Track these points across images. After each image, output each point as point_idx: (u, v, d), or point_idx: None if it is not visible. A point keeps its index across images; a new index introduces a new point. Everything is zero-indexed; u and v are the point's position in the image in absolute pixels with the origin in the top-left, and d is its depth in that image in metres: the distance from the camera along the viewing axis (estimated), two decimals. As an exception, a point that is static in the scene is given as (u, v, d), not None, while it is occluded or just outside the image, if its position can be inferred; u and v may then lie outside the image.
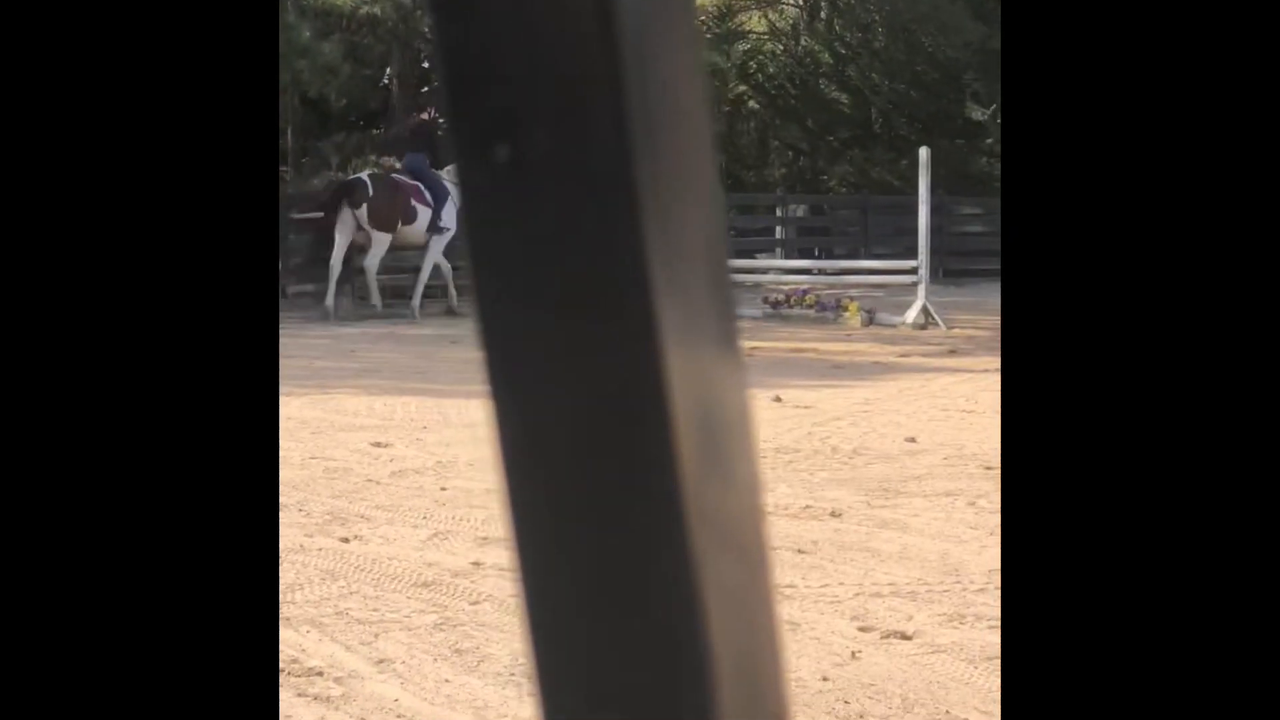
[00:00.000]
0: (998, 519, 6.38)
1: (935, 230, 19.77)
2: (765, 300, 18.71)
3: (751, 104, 34.04)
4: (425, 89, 22.06)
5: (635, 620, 0.52)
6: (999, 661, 4.43)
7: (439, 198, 17.31)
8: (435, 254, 17.48)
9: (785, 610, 4.95)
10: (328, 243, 17.47)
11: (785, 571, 5.49)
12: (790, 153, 34.37)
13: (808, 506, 6.68)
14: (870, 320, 17.41)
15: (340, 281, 17.41)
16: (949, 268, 27.28)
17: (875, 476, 7.48)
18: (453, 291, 18.22)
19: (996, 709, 4.05)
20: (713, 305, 0.53)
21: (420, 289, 17.97)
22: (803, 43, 33.62)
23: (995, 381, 11.60)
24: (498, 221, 0.50)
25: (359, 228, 17.16)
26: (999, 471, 7.30)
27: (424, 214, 17.41)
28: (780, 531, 6.18)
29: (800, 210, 30.90)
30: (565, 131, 0.49)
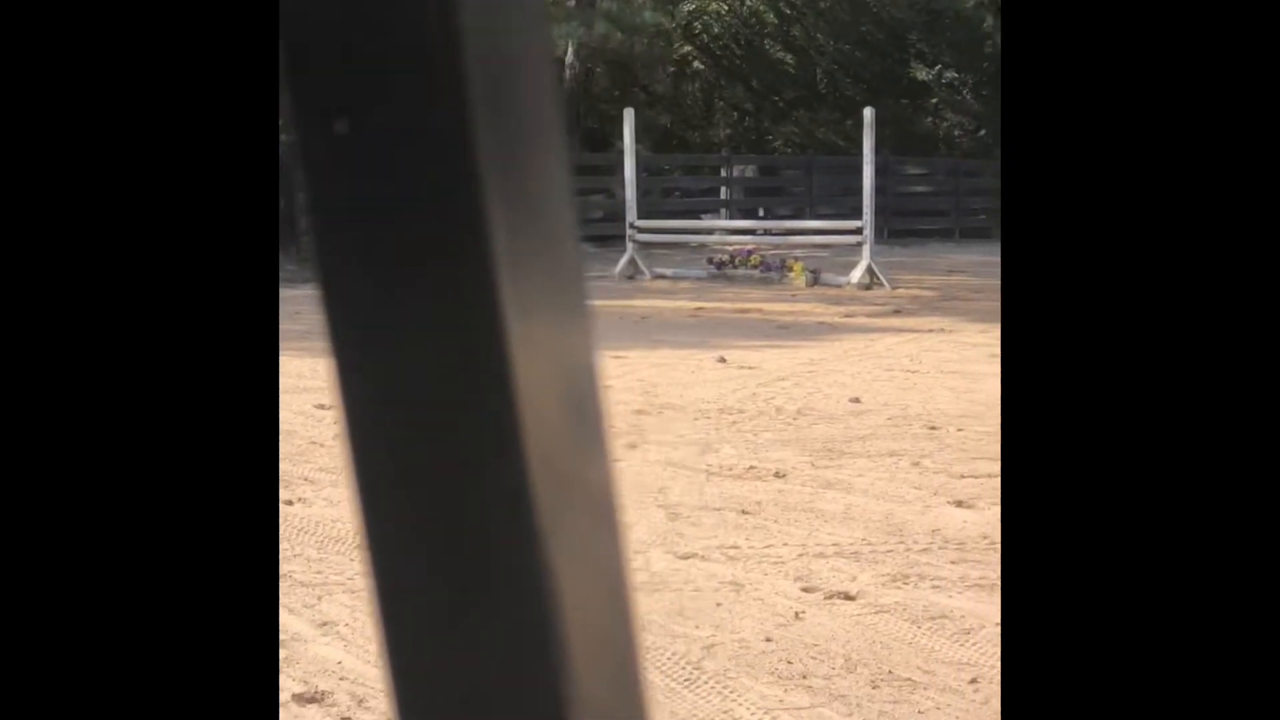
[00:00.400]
0: (941, 479, 6.42)
1: (880, 190, 19.80)
2: (710, 261, 18.72)
3: (696, 64, 33.99)
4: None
5: (486, 592, 0.52)
6: (942, 621, 4.46)
7: None
8: None
9: (729, 571, 4.96)
10: None
11: (729, 533, 5.50)
12: (735, 113, 34.36)
13: (752, 467, 6.70)
14: (815, 280, 17.44)
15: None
16: (894, 228, 27.35)
17: (819, 437, 7.50)
18: None
19: (939, 668, 4.07)
20: (559, 274, 0.52)
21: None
22: (747, 3, 33.57)
23: (939, 342, 11.66)
24: (338, 192, 0.50)
25: None
26: (943, 431, 7.32)
27: None
28: (724, 492, 6.19)
29: (746, 171, 30.89)
30: (405, 103, 0.49)
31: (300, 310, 14.05)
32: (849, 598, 4.67)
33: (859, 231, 17.40)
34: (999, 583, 4.81)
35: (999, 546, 5.30)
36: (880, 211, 20.87)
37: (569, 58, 27.61)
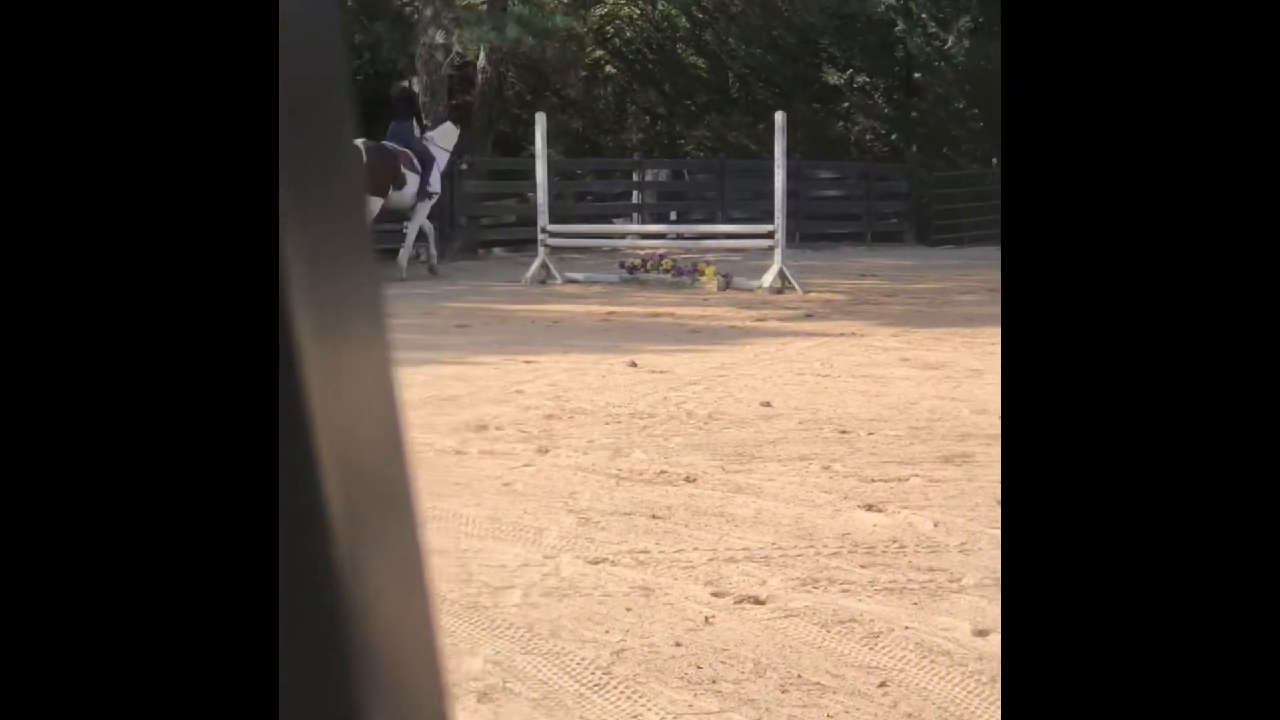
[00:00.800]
0: (852, 483, 6.43)
1: (792, 194, 19.87)
2: (622, 265, 18.72)
3: (609, 69, 33.99)
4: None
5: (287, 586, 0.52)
6: (851, 625, 4.47)
7: (426, 164, 18.21)
8: (421, 217, 18.27)
9: (639, 576, 4.95)
10: None
11: (639, 537, 5.49)
12: (648, 117, 34.38)
13: (663, 472, 6.69)
14: (727, 284, 17.47)
15: None
16: (805, 231, 27.45)
17: (730, 441, 7.50)
18: (433, 251, 19.22)
19: (848, 672, 4.08)
20: (356, 301, 0.52)
21: (408, 247, 18.71)
22: (660, 7, 33.62)
23: (850, 345, 11.68)
24: None
25: None
26: (853, 435, 7.33)
27: (412, 180, 18.27)
28: (635, 497, 6.18)
29: (659, 175, 30.93)
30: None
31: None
32: (759, 602, 4.67)
33: (770, 235, 17.45)
34: (909, 586, 4.83)
35: (909, 550, 5.32)
36: (792, 215, 20.94)
37: (481, 62, 27.54)
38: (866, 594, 4.81)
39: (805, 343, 11.94)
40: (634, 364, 10.37)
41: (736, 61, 32.30)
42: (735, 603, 4.67)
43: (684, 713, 3.76)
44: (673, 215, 28.00)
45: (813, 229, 28.12)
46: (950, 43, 26.62)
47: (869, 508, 6.01)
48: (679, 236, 21.95)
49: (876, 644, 4.32)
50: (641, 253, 19.24)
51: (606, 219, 25.91)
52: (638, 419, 8.15)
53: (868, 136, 30.58)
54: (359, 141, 17.63)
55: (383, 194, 17.83)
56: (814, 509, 5.96)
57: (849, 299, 15.60)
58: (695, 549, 5.32)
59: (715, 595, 4.75)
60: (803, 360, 10.79)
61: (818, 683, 3.99)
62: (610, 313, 14.69)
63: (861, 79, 29.11)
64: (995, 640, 4.34)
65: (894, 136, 29.87)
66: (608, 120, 34.00)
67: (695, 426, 7.95)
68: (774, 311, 14.77)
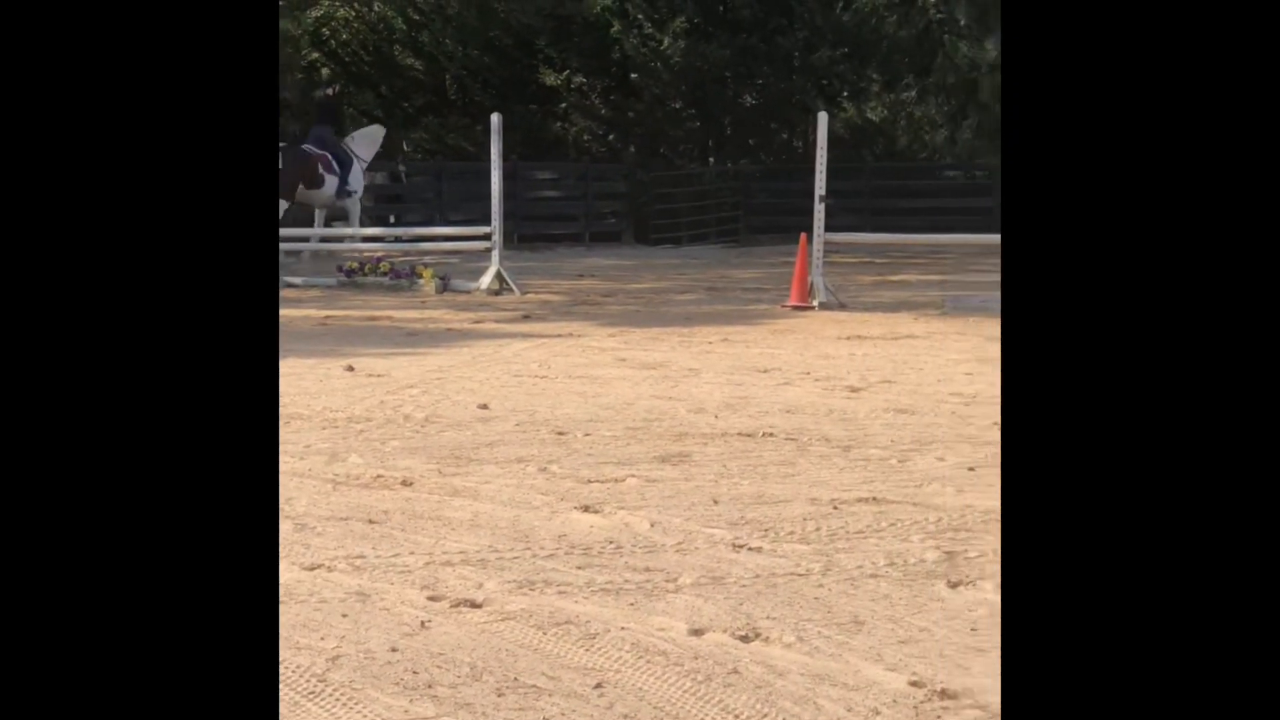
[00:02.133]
0: (569, 484, 6.46)
1: (509, 195, 19.87)
2: (340, 268, 18.52)
3: (325, 71, 33.58)
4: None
5: None
6: (568, 626, 4.49)
7: (344, 165, 19.50)
8: (355, 212, 19.69)
9: (355, 582, 4.91)
10: None
11: (356, 542, 5.44)
12: (365, 120, 34.06)
13: (379, 476, 6.64)
14: (445, 287, 17.41)
15: None
16: (524, 232, 27.47)
17: (447, 444, 7.48)
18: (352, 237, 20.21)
19: (564, 674, 4.09)
20: None
21: (354, 229, 20.05)
22: (376, 9, 33.32)
23: (568, 346, 11.69)
24: None
25: None
26: (570, 436, 7.33)
27: (330, 180, 19.66)
28: (351, 502, 6.12)
29: (376, 177, 30.66)
30: None
31: None
32: (475, 605, 4.66)
33: (488, 237, 17.42)
34: (625, 586, 4.86)
35: (625, 550, 5.35)
36: (510, 216, 20.94)
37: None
38: (583, 595, 4.83)
39: (523, 344, 11.95)
40: (351, 368, 10.27)
41: (454, 63, 32.19)
42: (451, 606, 4.65)
43: (400, 718, 3.74)
44: (391, 218, 27.78)
45: (531, 230, 28.15)
46: (666, 44, 26.88)
47: (586, 509, 6.04)
48: (397, 239, 21.79)
49: (593, 645, 4.35)
50: (359, 256, 19.06)
51: (324, 222, 25.62)
52: (354, 423, 8.08)
53: (585, 137, 30.74)
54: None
55: (289, 195, 18.91)
56: (531, 511, 5.97)
57: (567, 299, 15.66)
58: (412, 553, 5.29)
59: (431, 599, 4.72)
60: (520, 362, 10.80)
61: (534, 685, 4.00)
62: (328, 317, 14.53)
63: (579, 80, 29.24)
64: (711, 639, 4.40)
65: (611, 137, 30.07)
66: (324, 121, 33.58)
67: (412, 430, 7.90)
68: (492, 313, 14.76)
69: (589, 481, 6.59)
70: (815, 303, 14.21)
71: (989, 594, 4.84)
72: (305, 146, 20.11)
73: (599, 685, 4.03)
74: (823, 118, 16.07)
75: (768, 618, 4.61)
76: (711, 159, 29.34)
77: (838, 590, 4.91)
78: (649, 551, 5.39)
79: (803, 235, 14.94)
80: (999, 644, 4.31)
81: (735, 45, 26.38)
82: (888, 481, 6.58)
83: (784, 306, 14.27)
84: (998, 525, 5.70)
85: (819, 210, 15.07)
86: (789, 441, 7.52)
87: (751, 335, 12.31)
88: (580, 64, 28.92)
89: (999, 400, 8.76)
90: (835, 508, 6.07)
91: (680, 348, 11.43)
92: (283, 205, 18.94)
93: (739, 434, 7.73)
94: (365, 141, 20.96)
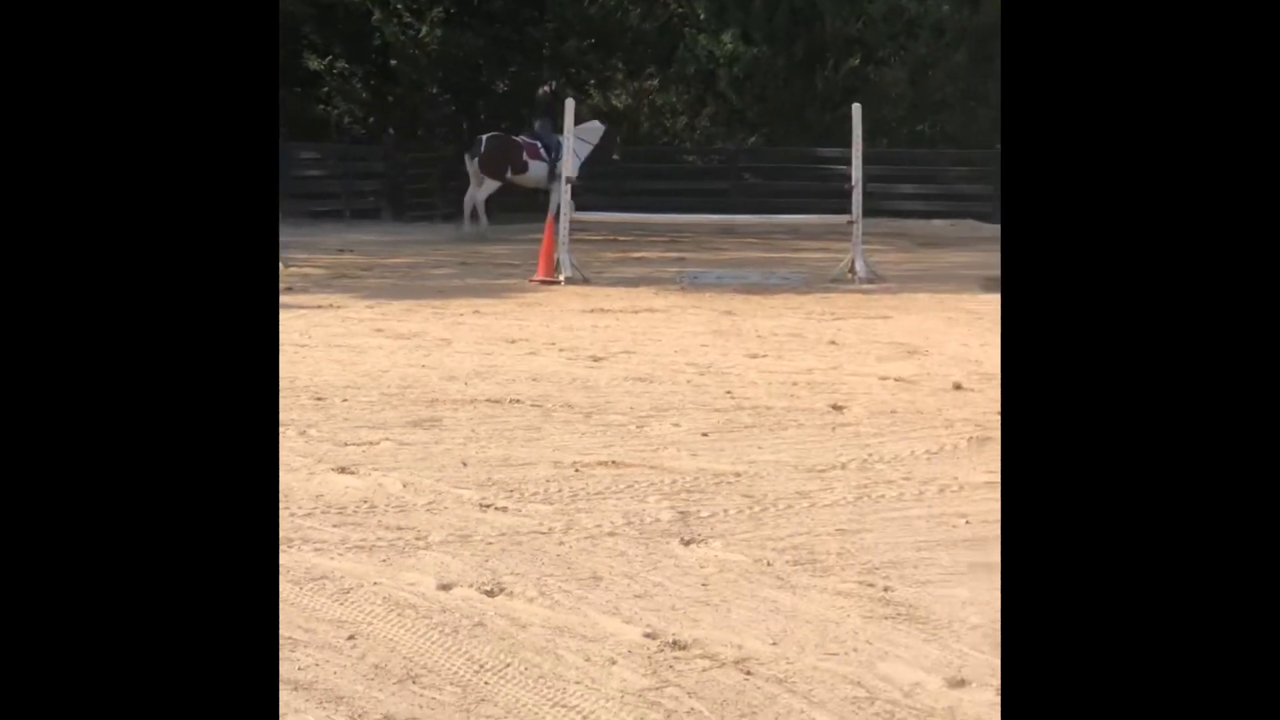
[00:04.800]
0: (327, 447, 6.37)
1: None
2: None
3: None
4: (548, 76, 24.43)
5: None
6: (323, 581, 4.42)
7: (556, 152, 20.59)
8: (556, 194, 19.64)
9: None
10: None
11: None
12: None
13: (142, 440, 6.47)
14: (211, 259, 17.03)
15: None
16: (289, 210, 26.99)
17: (210, 409, 7.31)
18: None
19: (319, 626, 4.04)
20: None
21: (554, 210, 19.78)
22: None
23: (328, 317, 11.52)
24: None
25: (479, 172, 21.43)
26: (329, 402, 7.21)
27: (536, 166, 21.52)
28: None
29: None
30: None
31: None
32: (234, 563, 4.57)
33: (253, 212, 17.07)
34: (378, 544, 4.80)
35: (379, 509, 5.28)
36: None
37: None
38: (338, 552, 4.78)
39: (285, 315, 11.74)
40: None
41: (220, 44, 31.51)
42: (211, 565, 4.56)
43: (158, 674, 3.65)
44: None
45: (295, 208, 27.65)
46: (424, 32, 26.65)
47: (342, 470, 5.97)
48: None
49: (346, 599, 4.30)
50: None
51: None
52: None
53: (347, 119, 30.33)
54: (484, 136, 20.48)
55: (498, 176, 21.21)
56: (290, 473, 5.87)
57: (328, 273, 15.40)
58: (173, 514, 5.16)
59: (191, 558, 4.62)
60: (282, 332, 10.61)
61: (290, 637, 3.93)
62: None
63: (341, 65, 28.82)
64: (458, 593, 4.37)
65: (372, 119, 29.72)
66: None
67: (176, 396, 7.71)
68: (256, 284, 14.45)
69: (345, 445, 6.51)
70: (561, 278, 14.21)
71: (719, 551, 4.90)
72: (508, 136, 22.14)
73: (352, 637, 3.99)
74: (569, 104, 16.08)
75: (512, 573, 4.60)
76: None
77: (578, 548, 4.92)
78: (401, 511, 5.35)
79: (550, 215, 14.94)
80: (727, 598, 4.37)
81: (489, 35, 26.25)
82: (626, 445, 6.61)
83: (532, 281, 14.24)
84: (729, 486, 5.77)
85: (565, 190, 15.09)
86: (534, 408, 7.51)
87: (501, 308, 12.26)
88: (342, 49, 28.50)
89: (733, 370, 8.84)
90: (577, 470, 6.08)
91: (434, 319, 11.35)
92: (493, 184, 21.32)
93: (488, 400, 7.70)
94: (585, 134, 21.53)
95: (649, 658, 3.89)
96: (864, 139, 15.79)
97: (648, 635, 4.05)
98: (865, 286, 13.98)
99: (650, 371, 8.77)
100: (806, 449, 6.56)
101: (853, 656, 3.92)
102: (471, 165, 21.58)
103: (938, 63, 24.16)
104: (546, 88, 22.95)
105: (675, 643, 3.98)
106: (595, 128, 22.46)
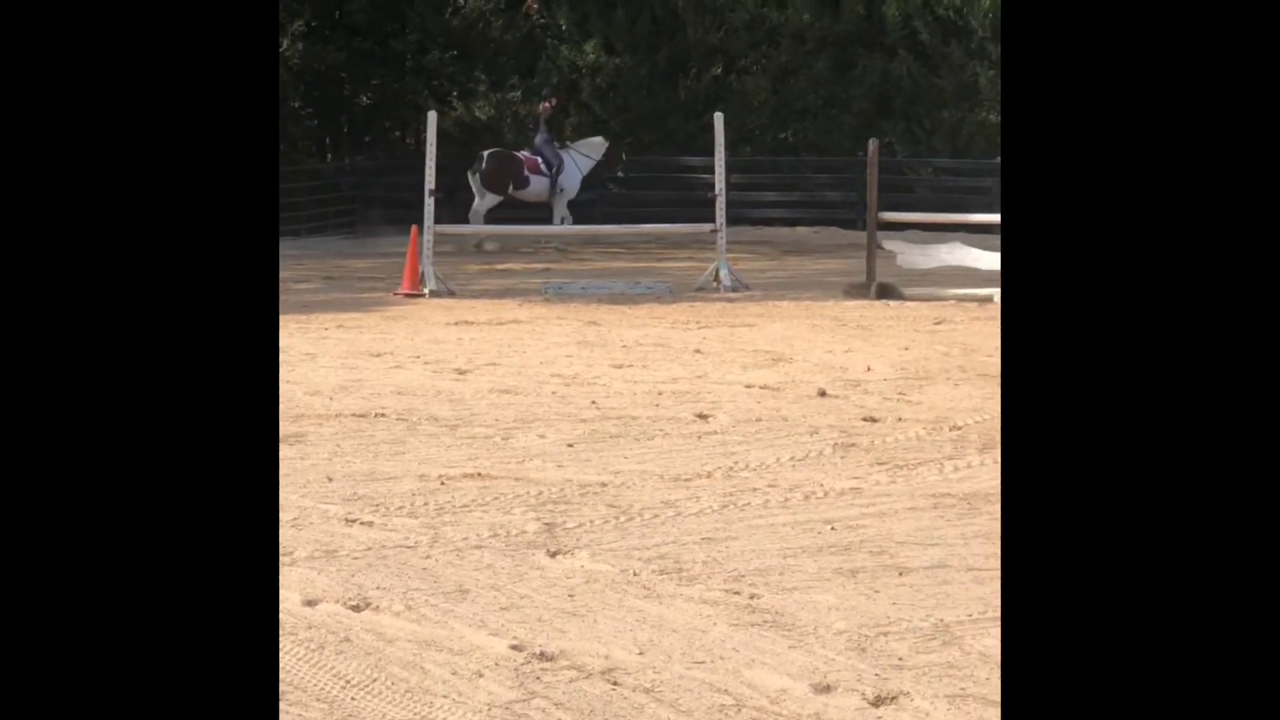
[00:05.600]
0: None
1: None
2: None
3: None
4: (546, 87, 23.97)
5: None
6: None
7: (556, 167, 21.35)
8: (559, 208, 21.28)
9: None
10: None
11: None
12: None
13: None
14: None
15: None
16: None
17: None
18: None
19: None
20: None
21: (556, 223, 21.38)
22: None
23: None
24: None
25: (481, 188, 21.15)
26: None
27: (537, 181, 21.28)
28: None
29: None
30: None
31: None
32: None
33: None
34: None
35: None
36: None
37: None
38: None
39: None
40: None
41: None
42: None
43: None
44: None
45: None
46: (285, 46, 26.41)
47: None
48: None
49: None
50: None
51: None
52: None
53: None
54: (486, 152, 20.18)
55: (499, 190, 20.95)
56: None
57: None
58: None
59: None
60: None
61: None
62: None
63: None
64: (324, 609, 4.34)
65: (314, 119, 29.43)
66: None
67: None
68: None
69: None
70: (426, 291, 14.12)
71: (585, 562, 4.90)
72: (509, 152, 21.96)
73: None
74: (432, 116, 16.00)
75: (378, 588, 4.57)
76: (329, 155, 28.95)
77: (444, 561, 4.90)
78: (265, 529, 5.28)
79: (414, 228, 14.86)
80: (594, 609, 4.37)
81: (351, 48, 26.05)
82: (492, 458, 6.59)
83: (397, 294, 14.15)
84: (595, 497, 5.78)
85: (429, 204, 15.03)
86: (400, 421, 7.47)
87: (366, 321, 12.18)
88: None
89: (598, 380, 8.84)
90: (443, 483, 6.05)
91: (298, 333, 11.24)
92: (495, 199, 21.01)
93: (352, 415, 7.65)
94: (586, 149, 21.31)
95: (516, 670, 3.88)
96: (727, 147, 15.89)
97: (514, 647, 4.04)
98: (730, 295, 14.03)
99: (516, 383, 8.75)
100: (672, 458, 6.58)
101: (719, 664, 3.93)
102: (474, 181, 21.37)
103: (799, 70, 24.35)
104: (547, 103, 22.88)
105: (542, 654, 3.98)
106: (598, 143, 22.51)
